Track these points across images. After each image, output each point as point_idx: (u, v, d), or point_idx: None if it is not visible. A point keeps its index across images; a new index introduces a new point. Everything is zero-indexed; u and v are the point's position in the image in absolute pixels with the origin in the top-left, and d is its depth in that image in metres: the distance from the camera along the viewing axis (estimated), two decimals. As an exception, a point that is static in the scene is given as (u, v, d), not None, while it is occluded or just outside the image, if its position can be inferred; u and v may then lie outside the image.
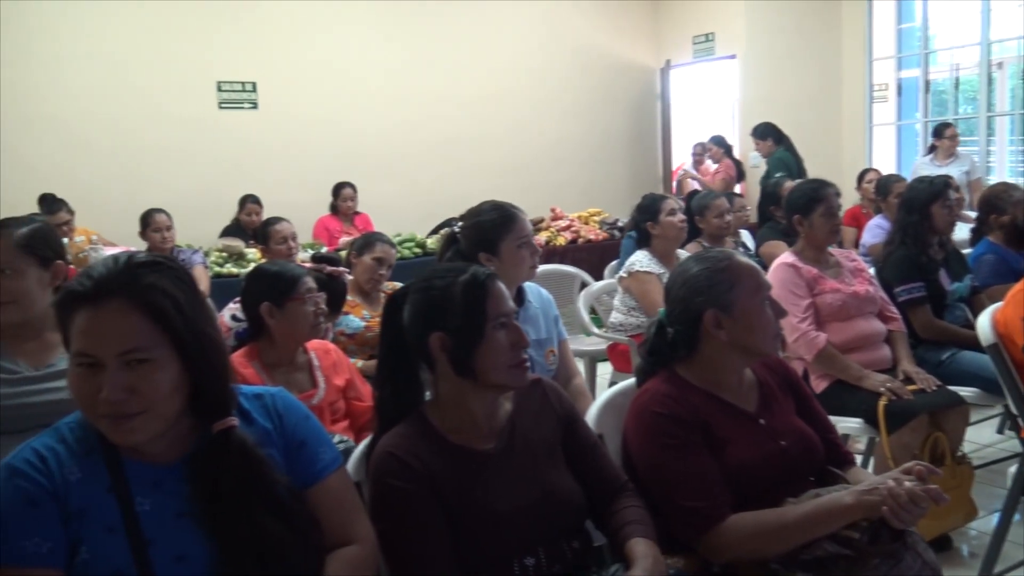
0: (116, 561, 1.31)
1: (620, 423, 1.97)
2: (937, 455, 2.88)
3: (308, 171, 7.66)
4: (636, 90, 9.66)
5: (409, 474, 1.61)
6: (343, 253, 4.14)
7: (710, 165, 8.45)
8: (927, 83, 8.68)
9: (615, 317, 4.02)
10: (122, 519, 1.32)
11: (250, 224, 6.76)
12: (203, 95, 7.51)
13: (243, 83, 7.66)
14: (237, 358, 2.53)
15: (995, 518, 2.90)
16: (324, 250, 5.22)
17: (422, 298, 1.71)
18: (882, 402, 2.91)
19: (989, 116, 8.26)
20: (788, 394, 2.02)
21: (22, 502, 1.29)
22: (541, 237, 6.73)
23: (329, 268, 3.25)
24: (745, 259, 1.99)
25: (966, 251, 3.93)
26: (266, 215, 6.02)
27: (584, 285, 4.73)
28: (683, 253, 4.01)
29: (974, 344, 2.96)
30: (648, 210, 3.97)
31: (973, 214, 4.50)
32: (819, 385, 3.11)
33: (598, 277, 5.02)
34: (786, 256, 3.26)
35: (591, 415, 2.04)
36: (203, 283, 5.19)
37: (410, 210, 7.68)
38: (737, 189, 8.05)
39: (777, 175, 6.74)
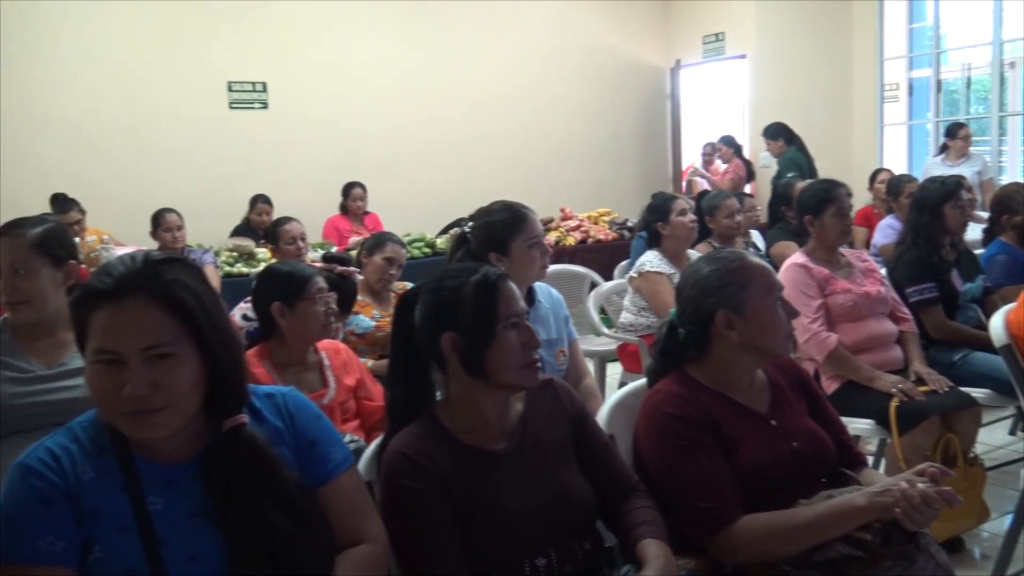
0: (129, 560, 1.31)
1: (631, 423, 1.97)
2: (949, 457, 2.86)
3: (318, 171, 7.67)
4: (646, 90, 9.65)
5: (420, 474, 1.61)
6: (353, 253, 4.15)
7: (720, 165, 8.43)
8: (939, 83, 8.65)
9: (625, 317, 4.01)
10: (135, 518, 1.33)
11: (260, 224, 6.78)
12: (214, 95, 7.53)
13: (253, 83, 7.68)
14: (248, 357, 2.53)
15: (1007, 520, 2.89)
16: (334, 250, 5.24)
17: (434, 298, 1.71)
18: (894, 403, 2.89)
19: (1001, 116, 8.21)
20: (800, 395, 2.02)
21: (36, 501, 1.30)
22: (551, 237, 6.73)
23: (340, 268, 3.26)
24: (757, 260, 1.99)
25: (978, 251, 3.91)
26: (276, 215, 6.03)
27: (594, 285, 4.72)
28: (693, 253, 4.00)
29: (986, 345, 2.95)
30: (659, 210, 3.96)
31: (985, 214, 4.48)
32: (830, 386, 3.10)
33: (607, 277, 5.02)
34: (797, 256, 3.25)
35: (602, 415, 2.04)
36: (213, 283, 5.18)
37: (419, 210, 7.69)
38: (747, 189, 8.03)
39: (789, 175, 6.72)
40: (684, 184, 9.06)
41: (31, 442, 1.39)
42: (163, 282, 1.32)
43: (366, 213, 7.31)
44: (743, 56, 8.84)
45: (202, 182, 7.30)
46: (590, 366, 3.37)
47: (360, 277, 3.56)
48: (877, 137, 9.00)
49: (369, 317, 3.54)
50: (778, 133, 7.43)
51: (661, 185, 9.02)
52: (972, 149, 7.22)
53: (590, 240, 7.03)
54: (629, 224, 7.22)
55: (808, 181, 5.08)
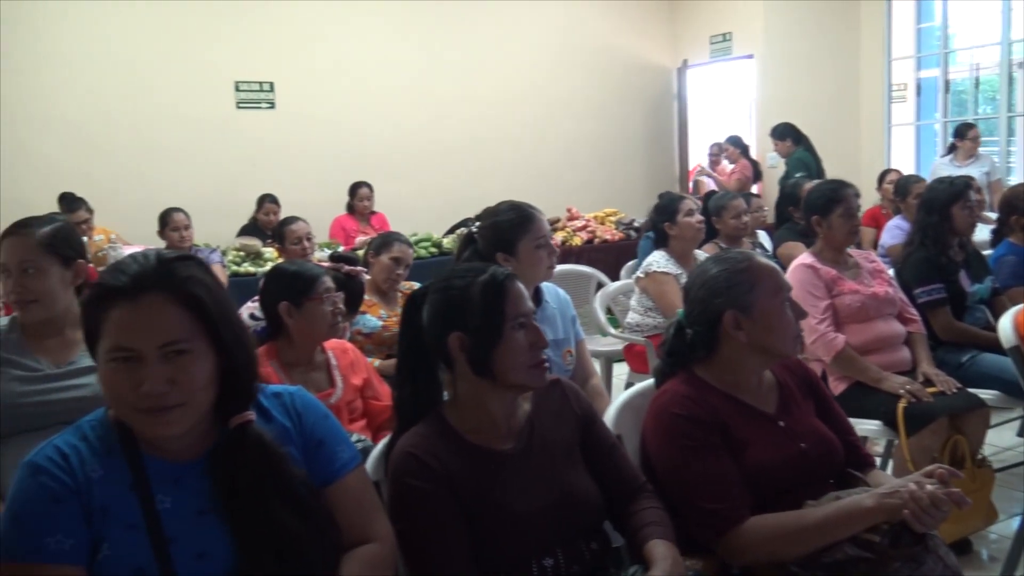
0: (137, 558, 1.32)
1: (638, 424, 1.97)
2: (957, 458, 2.85)
3: (325, 171, 7.68)
4: (653, 90, 9.63)
5: (428, 474, 1.62)
6: (360, 253, 4.15)
7: (727, 165, 8.42)
8: (947, 83, 8.62)
9: (632, 318, 4.01)
10: (143, 517, 1.33)
11: (268, 223, 6.80)
12: (221, 95, 7.54)
13: (260, 83, 7.68)
14: (255, 357, 2.54)
15: (1015, 522, 2.88)
16: (341, 249, 5.25)
17: (441, 298, 1.71)
18: (901, 404, 2.88)
19: (1009, 116, 8.17)
20: (808, 396, 2.01)
21: (45, 499, 1.30)
22: (557, 237, 6.72)
23: (347, 268, 3.26)
24: (765, 260, 1.98)
25: (987, 252, 3.90)
26: (283, 214, 6.04)
27: (600, 285, 4.72)
28: (700, 254, 4.00)
29: (995, 346, 2.94)
30: (666, 210, 3.96)
31: (994, 215, 4.47)
32: (837, 387, 3.09)
33: (614, 277, 5.02)
34: (804, 257, 3.24)
35: (609, 416, 2.04)
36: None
37: (426, 210, 7.69)
38: (754, 189, 8.02)
39: (797, 175, 6.70)
40: (691, 184, 9.06)
41: (40, 440, 1.39)
42: (178, 279, 1.33)
43: (373, 213, 7.32)
44: (750, 56, 8.82)
45: (209, 182, 7.30)
46: (596, 366, 3.37)
47: (367, 277, 3.57)
48: (885, 137, 8.97)
49: (376, 317, 3.54)
50: (785, 133, 7.41)
51: (668, 185, 9.02)
52: (980, 150, 7.20)
53: (597, 240, 7.02)
54: (636, 224, 7.22)
55: (816, 181, 5.07)
